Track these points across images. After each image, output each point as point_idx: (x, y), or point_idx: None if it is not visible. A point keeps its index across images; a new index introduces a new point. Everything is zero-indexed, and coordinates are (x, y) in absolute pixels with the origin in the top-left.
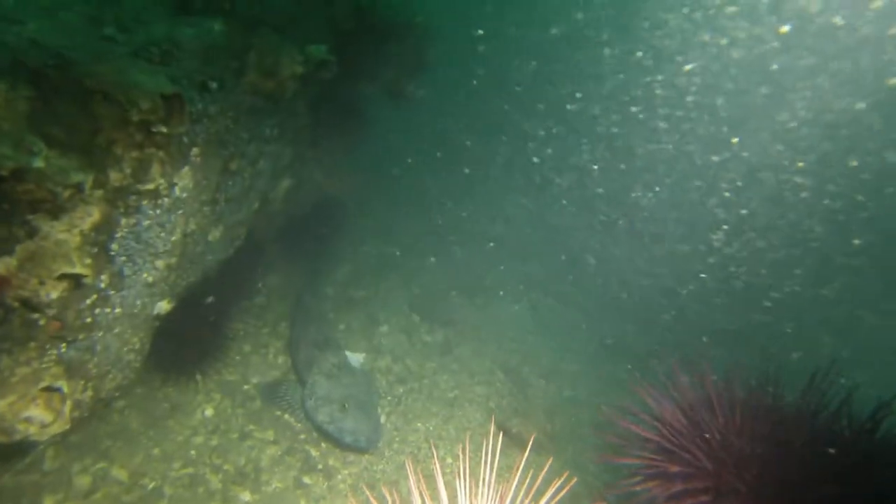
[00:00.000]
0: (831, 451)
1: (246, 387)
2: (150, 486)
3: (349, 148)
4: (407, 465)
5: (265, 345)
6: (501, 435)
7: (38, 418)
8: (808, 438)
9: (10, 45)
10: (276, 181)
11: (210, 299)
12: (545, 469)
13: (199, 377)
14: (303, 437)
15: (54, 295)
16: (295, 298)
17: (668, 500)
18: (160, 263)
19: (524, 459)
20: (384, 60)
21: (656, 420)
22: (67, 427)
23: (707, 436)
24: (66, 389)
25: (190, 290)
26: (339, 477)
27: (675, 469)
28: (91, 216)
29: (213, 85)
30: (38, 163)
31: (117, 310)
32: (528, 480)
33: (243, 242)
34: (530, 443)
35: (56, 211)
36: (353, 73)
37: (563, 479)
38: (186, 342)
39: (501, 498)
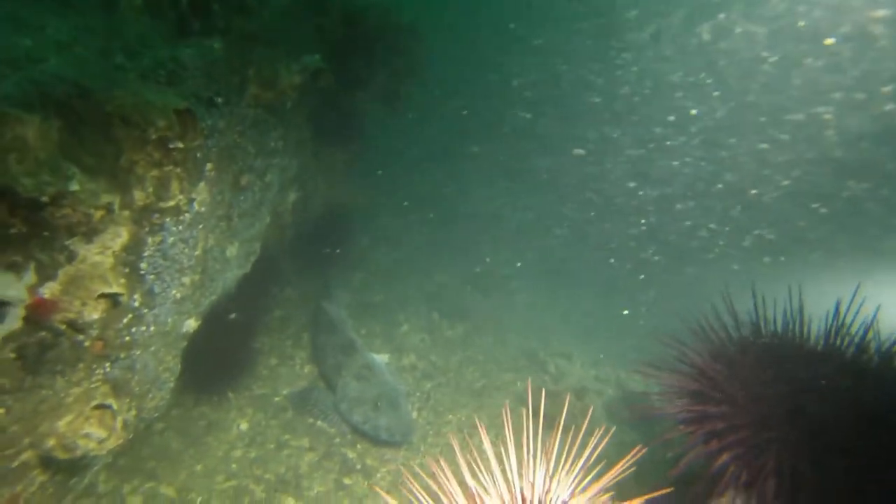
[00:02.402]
0: (851, 382)
1: (277, 398)
2: (198, 500)
3: (350, 157)
4: (451, 440)
5: (290, 356)
6: (533, 416)
7: (95, 435)
8: (833, 370)
9: (36, 80)
10: (284, 194)
11: (233, 315)
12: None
13: (230, 394)
14: (337, 440)
15: (96, 315)
16: (313, 308)
17: (709, 437)
18: (186, 280)
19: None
20: (376, 66)
21: (690, 369)
22: (122, 441)
23: (740, 377)
24: (115, 406)
25: (213, 307)
26: (379, 475)
27: (714, 410)
28: (121, 237)
29: (219, 100)
30: (74, 186)
31: (151, 328)
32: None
33: (258, 257)
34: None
35: (90, 234)
36: (346, 81)
37: (602, 431)
38: (215, 360)
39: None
